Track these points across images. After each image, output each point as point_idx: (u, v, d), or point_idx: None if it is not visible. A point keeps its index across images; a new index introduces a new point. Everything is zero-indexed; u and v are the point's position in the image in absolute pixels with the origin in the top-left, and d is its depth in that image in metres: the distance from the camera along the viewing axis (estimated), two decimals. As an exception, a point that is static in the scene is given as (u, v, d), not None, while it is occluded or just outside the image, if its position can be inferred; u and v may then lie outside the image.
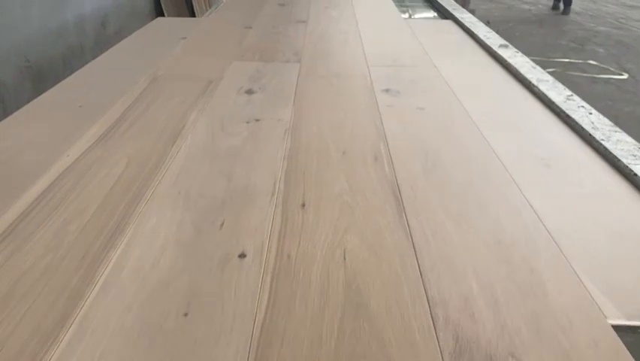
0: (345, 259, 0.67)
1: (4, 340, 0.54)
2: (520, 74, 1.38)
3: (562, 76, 4.46)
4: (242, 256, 0.67)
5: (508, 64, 1.47)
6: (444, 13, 2.31)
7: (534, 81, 1.32)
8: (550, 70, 4.65)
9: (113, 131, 1.03)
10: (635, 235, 0.73)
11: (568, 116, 1.11)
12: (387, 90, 1.28)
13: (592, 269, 0.66)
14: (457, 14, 2.10)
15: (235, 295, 0.60)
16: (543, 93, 1.24)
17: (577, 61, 4.93)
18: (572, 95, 1.23)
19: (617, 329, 0.57)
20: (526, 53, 4.55)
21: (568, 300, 0.60)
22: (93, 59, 2.42)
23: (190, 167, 0.90)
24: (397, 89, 1.29)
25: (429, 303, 0.60)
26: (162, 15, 3.32)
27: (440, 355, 0.53)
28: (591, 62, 4.89)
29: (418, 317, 0.58)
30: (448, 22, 2.08)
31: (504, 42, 1.70)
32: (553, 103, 1.18)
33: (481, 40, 1.72)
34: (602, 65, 4.77)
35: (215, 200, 0.80)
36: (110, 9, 2.65)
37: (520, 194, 0.83)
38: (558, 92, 1.24)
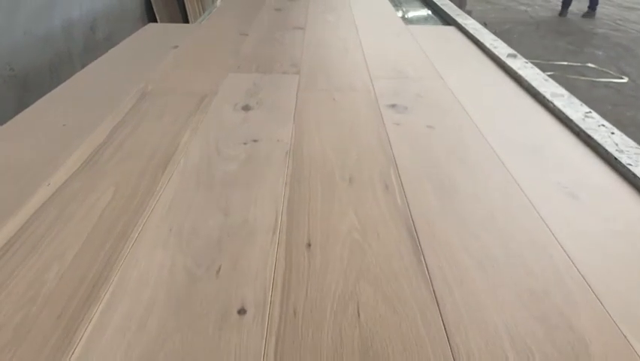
0: (359, 315, 0.59)
1: None
2: (533, 87, 1.30)
3: (561, 80, 4.40)
4: (242, 311, 0.59)
5: (519, 76, 1.39)
6: (445, 19, 2.24)
7: (548, 96, 1.24)
8: (549, 73, 4.58)
9: (98, 155, 0.95)
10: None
11: (589, 136, 1.03)
12: (393, 106, 1.20)
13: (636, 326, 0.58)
14: (460, 20, 2.02)
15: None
16: (559, 110, 1.16)
17: (575, 64, 4.87)
18: (590, 113, 1.15)
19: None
20: (525, 55, 4.45)
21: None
22: (82, 65, 2.34)
23: (182, 198, 0.82)
24: (404, 105, 1.21)
25: (459, 373, 0.52)
26: (154, 19, 3.23)
27: None
28: (590, 64, 4.83)
29: (448, 394, 0.50)
30: (451, 29, 2.00)
31: (512, 51, 1.63)
32: (571, 121, 1.11)
33: (488, 49, 1.64)
34: (601, 68, 4.71)
35: (210, 239, 0.72)
36: (100, 13, 2.55)
37: (548, 230, 0.75)
38: (575, 109, 1.16)
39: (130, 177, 0.87)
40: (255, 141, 1.02)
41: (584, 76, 4.55)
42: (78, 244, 0.70)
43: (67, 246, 0.70)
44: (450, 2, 2.46)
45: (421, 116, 1.15)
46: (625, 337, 0.57)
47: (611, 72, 4.63)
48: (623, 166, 0.92)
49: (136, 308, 0.59)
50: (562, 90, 1.29)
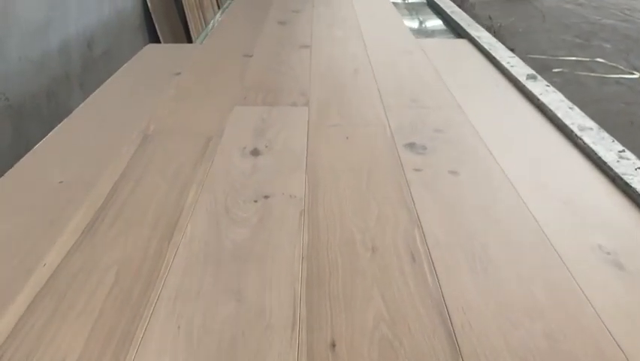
0: None
1: None
2: (558, 118, 1.22)
3: (570, 77, 4.31)
4: None
5: (541, 103, 1.31)
6: (456, 29, 2.15)
7: (576, 130, 1.16)
8: (557, 70, 4.48)
9: (98, 222, 0.87)
10: None
11: (627, 184, 0.95)
12: (411, 146, 1.13)
13: None
14: (472, 33, 1.93)
15: None
16: (590, 148, 1.08)
17: (584, 59, 4.75)
18: (623, 152, 1.07)
19: None
20: (531, 51, 4.33)
21: None
22: (80, 86, 2.26)
23: (190, 280, 0.75)
24: (423, 144, 1.13)
25: None
26: (153, 28, 3.14)
27: None
28: (599, 59, 4.72)
29: None
30: (463, 42, 1.92)
31: (531, 71, 1.55)
32: (604, 163, 1.03)
33: (505, 69, 1.56)
34: (610, 63, 4.60)
35: (223, 338, 0.65)
36: (97, 28, 2.47)
37: (597, 317, 0.68)
38: (607, 147, 1.08)
39: (133, 253, 0.80)
40: (266, 197, 0.95)
41: (593, 72, 4.44)
42: (78, 349, 0.63)
43: (66, 352, 0.63)
44: (459, 9, 2.38)
45: (442, 158, 1.08)
46: None
47: (621, 67, 4.52)
48: (669, 223, 0.85)
49: None
50: (589, 122, 1.21)
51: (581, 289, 0.72)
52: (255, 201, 0.93)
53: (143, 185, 0.99)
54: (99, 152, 1.10)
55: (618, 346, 0.63)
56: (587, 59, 4.75)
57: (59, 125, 1.21)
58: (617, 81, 4.23)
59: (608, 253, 0.80)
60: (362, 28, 2.07)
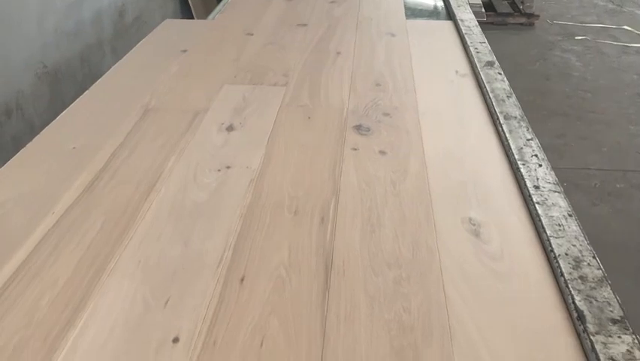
0: (261, 346, 0.79)
1: None
2: (492, 106, 1.43)
3: (591, 44, 4.37)
4: (175, 340, 0.80)
5: (486, 91, 1.52)
6: (447, 9, 2.32)
7: (501, 118, 1.37)
8: (580, 37, 4.54)
9: (97, 181, 1.16)
10: None
11: (518, 170, 1.18)
12: (358, 127, 1.37)
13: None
14: (458, 14, 2.11)
15: (161, 385, 0.74)
16: (505, 136, 1.30)
17: (610, 26, 4.78)
18: (531, 140, 1.28)
19: None
20: (559, 16, 4.46)
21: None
22: (112, 50, 2.55)
23: (155, 229, 1.02)
24: (368, 126, 1.37)
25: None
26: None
27: None
28: (626, 27, 4.73)
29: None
30: (449, 25, 2.10)
31: (491, 58, 1.73)
32: (510, 149, 1.25)
33: (471, 55, 1.76)
34: (636, 32, 4.61)
35: (168, 271, 0.93)
36: (128, -3, 2.73)
37: (439, 273, 0.93)
38: (519, 135, 1.30)
39: (117, 207, 1.08)
40: (227, 167, 1.21)
41: (616, 40, 4.48)
42: (67, 274, 0.92)
43: (59, 275, 0.92)
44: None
45: (378, 139, 1.31)
46: None
47: (646, 36, 4.52)
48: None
49: (101, 334, 0.81)
50: (517, 111, 1.41)
51: (438, 251, 0.97)
52: (218, 170, 1.20)
53: (136, 153, 1.27)
54: (106, 123, 1.38)
55: (444, 292, 0.88)
56: (614, 27, 4.77)
57: (77, 100, 1.50)
58: (638, 51, 4.27)
59: (473, 224, 1.04)
60: (361, 5, 2.27)
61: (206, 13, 3.26)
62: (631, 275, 2.14)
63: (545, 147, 2.96)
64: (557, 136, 3.12)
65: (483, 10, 4.85)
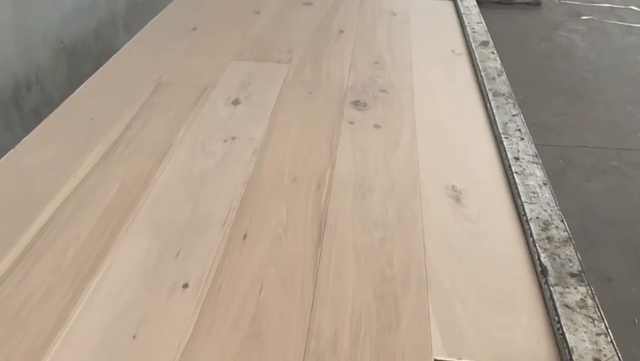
0: (260, 293, 0.90)
1: (5, 358, 0.81)
2: (483, 84, 1.53)
3: (596, 25, 4.41)
4: (185, 286, 0.91)
5: (479, 69, 1.61)
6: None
7: (491, 95, 1.47)
8: (585, 17, 4.57)
9: (113, 150, 1.27)
10: None
11: (501, 142, 1.28)
12: (355, 103, 1.47)
13: None
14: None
15: (172, 322, 0.85)
16: (492, 112, 1.40)
17: (618, 6, 4.79)
18: (516, 115, 1.38)
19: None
20: None
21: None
22: (125, 28, 2.65)
23: (167, 193, 1.14)
24: (365, 101, 1.47)
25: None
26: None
27: None
28: (633, 7, 4.75)
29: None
30: (448, 4, 2.18)
31: (486, 38, 1.82)
32: (495, 123, 1.34)
33: (467, 34, 1.84)
34: (643, 12, 4.63)
35: (178, 228, 1.04)
36: (141, -26, 2.82)
37: (421, 234, 1.03)
38: (505, 111, 1.39)
39: (133, 173, 1.19)
40: (233, 138, 1.32)
41: (622, 20, 4.51)
42: (89, 230, 1.03)
43: (82, 231, 1.03)
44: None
45: (374, 114, 1.41)
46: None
47: (653, 16, 4.55)
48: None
49: (119, 280, 0.93)
50: (506, 88, 1.50)
51: (421, 214, 1.08)
52: (225, 141, 1.31)
53: (149, 124, 1.37)
54: (122, 96, 1.48)
55: (424, 249, 0.99)
56: (622, 7, 4.79)
57: (95, 73, 1.60)
58: (642, 32, 4.29)
59: (455, 191, 1.14)
60: (365, -14, 2.35)
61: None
62: (618, 246, 2.24)
63: (544, 125, 3.06)
64: (557, 115, 3.19)
65: (490, -11, 4.90)
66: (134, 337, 0.83)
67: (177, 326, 0.85)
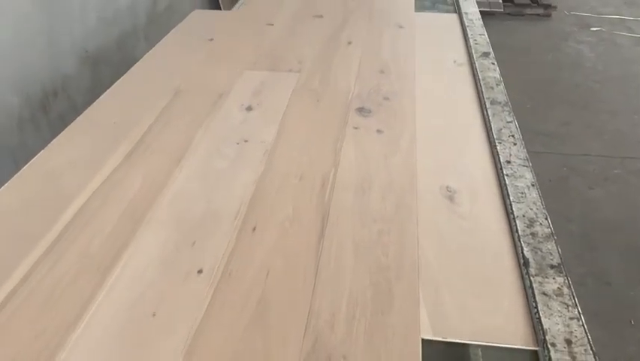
0: (267, 277, 1.00)
1: (38, 333, 0.91)
2: (481, 92, 1.62)
3: (606, 36, 4.48)
4: (199, 271, 1.02)
5: (478, 78, 1.70)
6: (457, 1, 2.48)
7: (488, 103, 1.56)
8: (595, 29, 4.65)
9: (135, 150, 1.38)
10: None
11: (495, 147, 1.37)
12: (360, 110, 1.56)
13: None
14: (463, 8, 2.28)
15: (187, 302, 0.95)
16: (488, 119, 1.49)
17: (628, 18, 4.86)
18: (511, 122, 1.47)
19: None
20: (577, 7, 4.65)
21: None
22: (145, 38, 2.77)
23: (184, 190, 1.24)
24: (369, 108, 1.57)
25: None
26: (211, -17, 3.59)
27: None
28: (643, 19, 4.82)
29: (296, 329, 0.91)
30: (453, 17, 2.28)
31: (487, 49, 1.91)
32: (490, 129, 1.44)
33: (469, 46, 1.94)
34: (653, 24, 4.69)
35: (194, 221, 1.14)
36: (161, -13, 2.95)
37: (415, 227, 1.13)
38: (500, 118, 1.48)
39: (153, 171, 1.30)
40: (245, 141, 1.42)
41: (632, 32, 4.58)
42: (113, 224, 1.14)
43: (106, 224, 1.14)
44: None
45: (377, 120, 1.51)
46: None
47: (662, 29, 4.61)
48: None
49: (141, 266, 1.03)
50: (502, 97, 1.59)
51: (417, 210, 1.17)
52: (237, 143, 1.41)
53: (168, 128, 1.48)
54: (143, 102, 1.60)
55: (417, 241, 1.08)
56: (631, 18, 4.86)
57: (117, 82, 1.72)
58: (651, 43, 4.36)
59: (449, 191, 1.23)
60: (374, -1, 2.45)
61: (232, 2, 3.47)
62: (617, 251, 2.31)
63: (550, 134, 3.14)
64: (562, 124, 3.27)
65: (500, 1, 5.00)
66: (154, 315, 0.93)
67: (192, 305, 0.95)
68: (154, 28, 2.87)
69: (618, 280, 2.18)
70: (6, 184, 1.26)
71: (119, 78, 1.74)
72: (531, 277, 0.99)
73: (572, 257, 2.35)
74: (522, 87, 3.63)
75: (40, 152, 1.38)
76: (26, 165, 1.32)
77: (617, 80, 3.80)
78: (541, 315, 0.92)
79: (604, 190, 2.70)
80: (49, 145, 1.41)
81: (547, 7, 4.95)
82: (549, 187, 2.69)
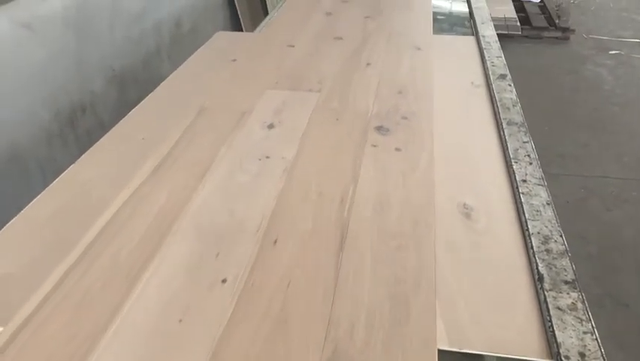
0: (287, 288, 1.04)
1: (70, 337, 0.96)
2: (498, 113, 1.65)
3: (624, 59, 4.49)
4: (224, 281, 1.06)
5: (495, 100, 1.74)
6: (473, 24, 2.53)
7: (504, 124, 1.59)
8: (614, 52, 4.66)
9: (162, 165, 1.43)
10: None
11: (511, 166, 1.40)
12: (379, 128, 1.61)
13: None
14: (480, 31, 2.33)
15: (212, 310, 0.99)
16: (504, 139, 1.52)
17: (646, 42, 4.87)
18: (527, 142, 1.50)
19: None
20: (595, 30, 4.69)
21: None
22: (168, 57, 2.85)
23: (208, 203, 1.29)
24: (388, 127, 1.61)
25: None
26: (233, 4, 3.68)
27: None
28: (661, 43, 4.82)
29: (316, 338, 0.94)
30: (471, 40, 2.32)
31: (504, 72, 1.95)
32: (507, 148, 1.47)
33: (487, 68, 1.97)
34: (671, 48, 4.70)
35: (218, 233, 1.19)
36: (184, 9, 3.04)
37: (431, 241, 1.16)
38: (517, 138, 1.52)
39: (179, 185, 1.35)
40: (267, 157, 1.47)
41: (651, 56, 4.58)
42: (140, 235, 1.19)
43: (134, 235, 1.19)
44: (484, 4, 2.74)
45: (396, 139, 1.55)
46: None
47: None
48: (518, 193, 1.29)
49: (167, 275, 1.07)
50: (519, 118, 1.63)
51: (434, 227, 1.20)
52: (259, 160, 1.46)
53: (193, 144, 1.54)
54: (169, 119, 1.65)
55: (434, 257, 1.11)
56: (650, 43, 4.86)
57: (145, 99, 1.78)
58: (669, 67, 4.37)
59: (466, 208, 1.26)
60: (393, 21, 2.51)
61: (253, 25, 3.55)
62: (635, 272, 2.31)
63: (568, 156, 3.15)
64: (581, 146, 3.28)
65: (518, 24, 5.04)
66: (180, 321, 0.97)
67: (216, 313, 0.98)
68: (177, 48, 2.95)
69: (636, 302, 2.18)
70: (39, 196, 1.31)
71: (143, 96, 1.80)
72: (545, 292, 1.02)
73: (589, 278, 2.36)
74: (540, 110, 3.66)
75: (72, 165, 1.44)
76: (58, 178, 1.38)
77: (636, 103, 3.80)
78: (555, 329, 0.94)
79: (622, 212, 2.70)
80: (79, 159, 1.47)
81: (566, 30, 4.98)
82: (567, 209, 2.70)
